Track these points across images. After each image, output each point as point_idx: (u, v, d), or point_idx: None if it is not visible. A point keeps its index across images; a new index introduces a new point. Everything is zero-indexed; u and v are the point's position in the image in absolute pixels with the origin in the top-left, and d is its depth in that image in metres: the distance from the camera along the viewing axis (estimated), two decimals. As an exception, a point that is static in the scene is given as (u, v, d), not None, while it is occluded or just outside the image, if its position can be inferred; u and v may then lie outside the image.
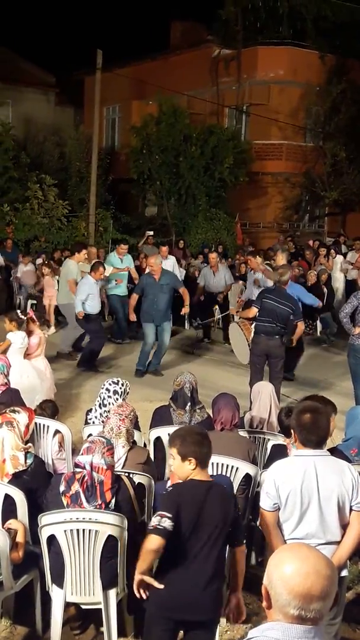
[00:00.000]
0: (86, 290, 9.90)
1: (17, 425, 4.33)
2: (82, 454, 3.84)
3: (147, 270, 10.55)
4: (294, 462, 3.46)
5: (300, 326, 8.32)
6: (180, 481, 3.32)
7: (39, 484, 4.28)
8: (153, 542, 3.06)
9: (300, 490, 3.32)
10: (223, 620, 4.22)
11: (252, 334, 8.63)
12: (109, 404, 5.17)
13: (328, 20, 22.54)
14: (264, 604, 1.83)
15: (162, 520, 3.07)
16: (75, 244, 10.95)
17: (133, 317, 10.33)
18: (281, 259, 10.15)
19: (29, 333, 7.44)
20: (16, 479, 4.25)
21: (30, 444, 4.46)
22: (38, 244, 18.85)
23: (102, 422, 4.93)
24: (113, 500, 3.76)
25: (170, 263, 12.30)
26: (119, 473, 4.04)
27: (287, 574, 1.76)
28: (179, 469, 3.31)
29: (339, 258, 14.79)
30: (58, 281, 12.17)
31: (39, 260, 15.16)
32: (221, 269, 12.19)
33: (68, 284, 10.67)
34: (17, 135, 22.69)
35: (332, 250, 14.95)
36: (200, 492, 3.22)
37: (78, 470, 3.80)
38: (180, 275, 14.09)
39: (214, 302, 12.23)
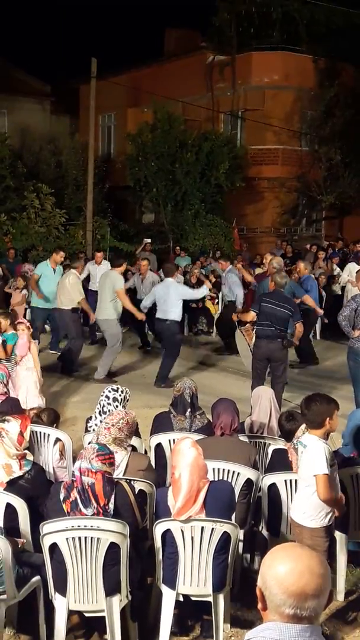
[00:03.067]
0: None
1: (8, 435, 4.34)
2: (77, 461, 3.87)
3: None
4: None
5: (300, 327, 8.33)
6: None
7: (39, 492, 4.28)
8: None
9: None
10: (227, 626, 4.22)
11: (253, 339, 8.64)
12: (109, 411, 5.14)
13: (321, 24, 22.62)
14: (259, 605, 1.84)
15: None
16: (116, 256, 10.99)
17: None
18: (270, 260, 10.50)
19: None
20: (11, 485, 4.24)
21: (27, 451, 4.45)
22: (35, 253, 18.84)
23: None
24: (111, 505, 3.74)
25: (104, 268, 11.93)
26: (118, 479, 4.04)
27: (281, 573, 1.77)
28: None
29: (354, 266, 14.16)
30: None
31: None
32: (149, 276, 12.04)
33: (118, 295, 9.85)
34: (13, 145, 22.76)
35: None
36: None
37: (75, 477, 3.81)
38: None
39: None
